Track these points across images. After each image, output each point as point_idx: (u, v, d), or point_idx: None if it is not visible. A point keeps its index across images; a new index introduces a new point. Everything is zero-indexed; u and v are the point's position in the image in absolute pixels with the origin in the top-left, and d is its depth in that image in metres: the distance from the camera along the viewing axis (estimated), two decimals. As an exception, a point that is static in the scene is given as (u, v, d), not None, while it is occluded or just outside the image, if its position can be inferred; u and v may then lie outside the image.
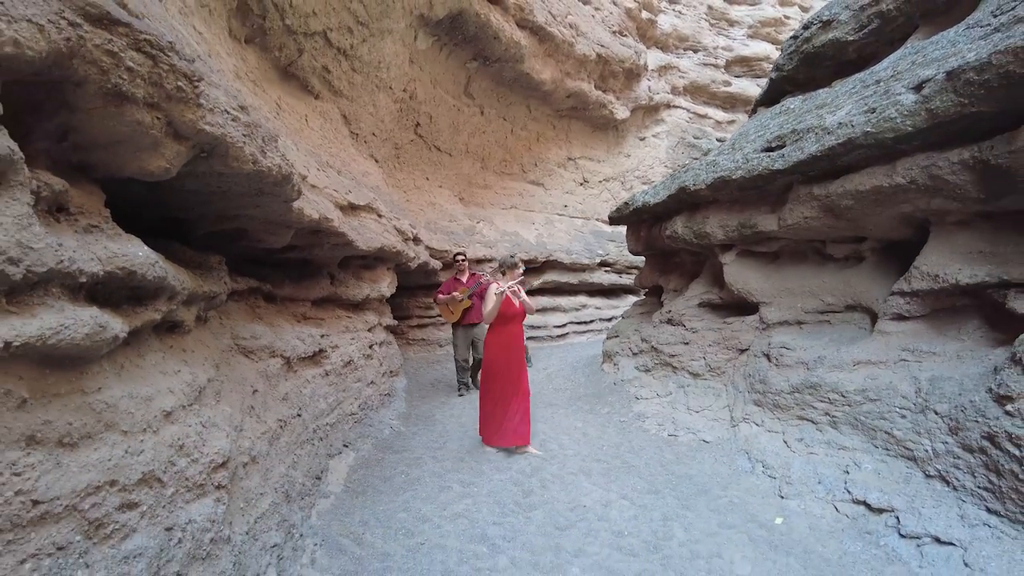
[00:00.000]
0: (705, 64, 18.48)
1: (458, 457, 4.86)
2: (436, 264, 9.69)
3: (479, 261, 11.53)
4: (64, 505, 1.60)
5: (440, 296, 7.28)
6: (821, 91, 6.02)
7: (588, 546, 3.28)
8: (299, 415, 4.01)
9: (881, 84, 4.60)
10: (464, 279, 7.48)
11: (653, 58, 17.23)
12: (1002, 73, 3.24)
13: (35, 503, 1.51)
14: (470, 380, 7.47)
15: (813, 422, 4.41)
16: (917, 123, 3.81)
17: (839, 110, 4.80)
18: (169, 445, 2.11)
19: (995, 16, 3.98)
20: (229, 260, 3.71)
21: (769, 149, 5.21)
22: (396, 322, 8.39)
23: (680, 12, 18.20)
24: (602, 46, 14.02)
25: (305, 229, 4.49)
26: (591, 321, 14.01)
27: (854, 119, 4.31)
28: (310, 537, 3.18)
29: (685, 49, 18.34)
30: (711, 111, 18.63)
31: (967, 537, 2.87)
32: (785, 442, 4.48)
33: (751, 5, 19.34)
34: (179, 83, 2.09)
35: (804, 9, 19.86)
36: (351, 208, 5.82)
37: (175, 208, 3.28)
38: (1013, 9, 3.77)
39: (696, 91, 18.42)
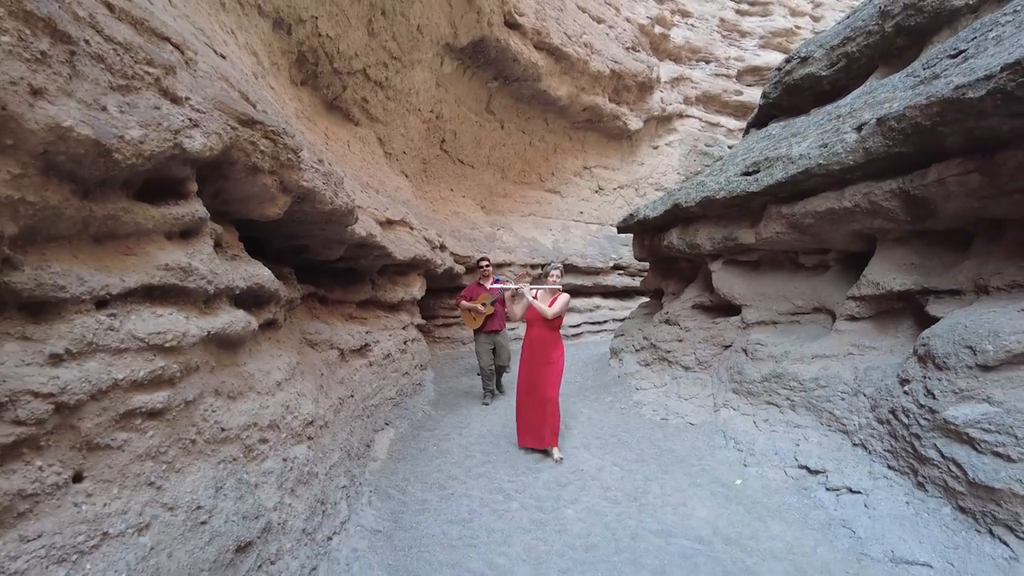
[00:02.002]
0: (717, 74, 19.19)
1: (480, 434, 5.79)
2: (460, 269, 10.63)
3: (499, 266, 12.44)
4: (234, 434, 2.56)
5: (463, 303, 7.29)
6: (798, 119, 6.85)
7: (581, 497, 4.18)
8: (352, 396, 4.98)
9: (837, 120, 5.43)
10: (488, 285, 7.48)
11: (666, 70, 18.00)
12: (913, 123, 4.07)
13: (222, 429, 2.48)
14: (495, 387, 7.52)
15: (777, 406, 5.26)
16: (857, 158, 4.65)
17: (804, 141, 5.65)
18: (281, 404, 3.07)
19: (924, 68, 4.80)
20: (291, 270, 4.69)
21: (747, 173, 6.05)
22: (424, 321, 9.34)
23: (692, 25, 18.92)
24: (616, 62, 14.87)
25: (353, 244, 5.46)
26: (605, 321, 14.87)
27: (811, 152, 5.16)
28: (366, 486, 4.13)
29: (697, 60, 19.07)
30: (723, 119, 19.32)
31: (870, 487, 3.72)
32: (754, 423, 5.33)
33: (762, 16, 19.97)
34: (288, 155, 3.05)
35: (815, 19, 20.44)
36: (388, 223, 6.79)
37: (258, 230, 4.27)
38: (934, 66, 4.59)
39: (708, 101, 19.14)
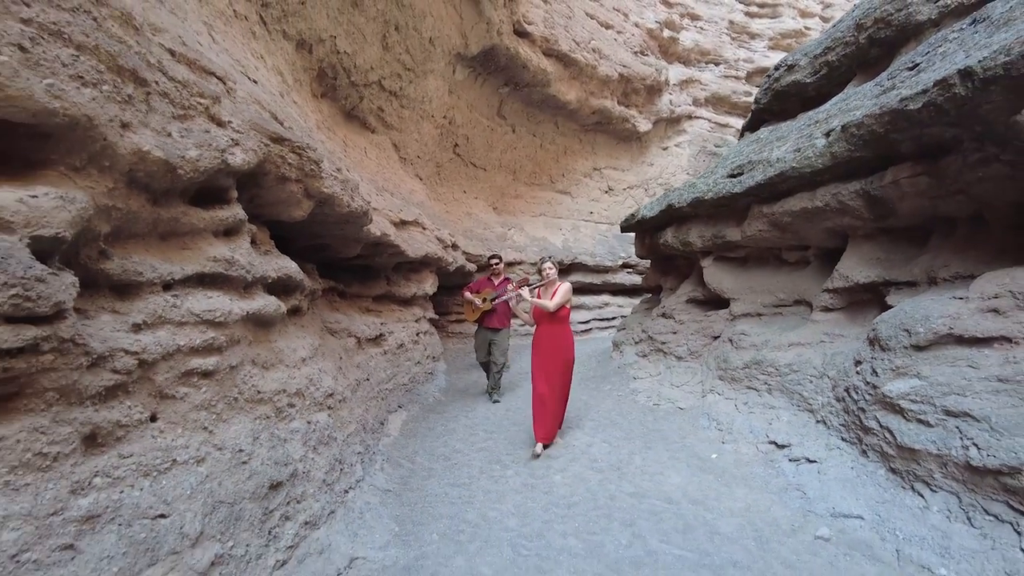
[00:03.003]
0: (726, 76, 19.52)
1: (484, 417, 6.32)
2: (471, 267, 11.18)
3: (509, 264, 12.97)
4: (267, 397, 3.12)
5: (466, 293, 7.30)
6: (784, 124, 7.29)
7: (570, 467, 4.69)
8: (368, 379, 5.54)
9: (814, 126, 5.87)
10: (496, 283, 7.49)
11: (675, 72, 18.39)
12: (870, 131, 4.51)
13: (258, 392, 3.03)
14: (493, 384, 7.44)
15: (756, 390, 5.70)
16: (824, 162, 5.09)
17: (784, 145, 6.10)
18: (305, 377, 3.63)
19: (888, 79, 5.24)
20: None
21: (733, 175, 6.51)
22: (438, 316, 9.90)
23: (702, 28, 19.29)
24: (624, 66, 15.32)
25: (369, 243, 6.03)
26: (613, 318, 15.31)
27: (787, 156, 5.61)
28: (379, 455, 4.68)
29: (707, 63, 19.43)
30: (732, 120, 19.64)
31: (825, 456, 4.18)
32: (735, 406, 5.78)
33: (772, 18, 20.25)
34: (311, 166, 3.61)
35: (825, 20, 20.65)
36: (402, 224, 7.36)
37: (285, 230, 4.84)
38: (895, 77, 5.03)
39: (717, 102, 19.48)
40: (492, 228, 13.71)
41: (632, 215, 9.29)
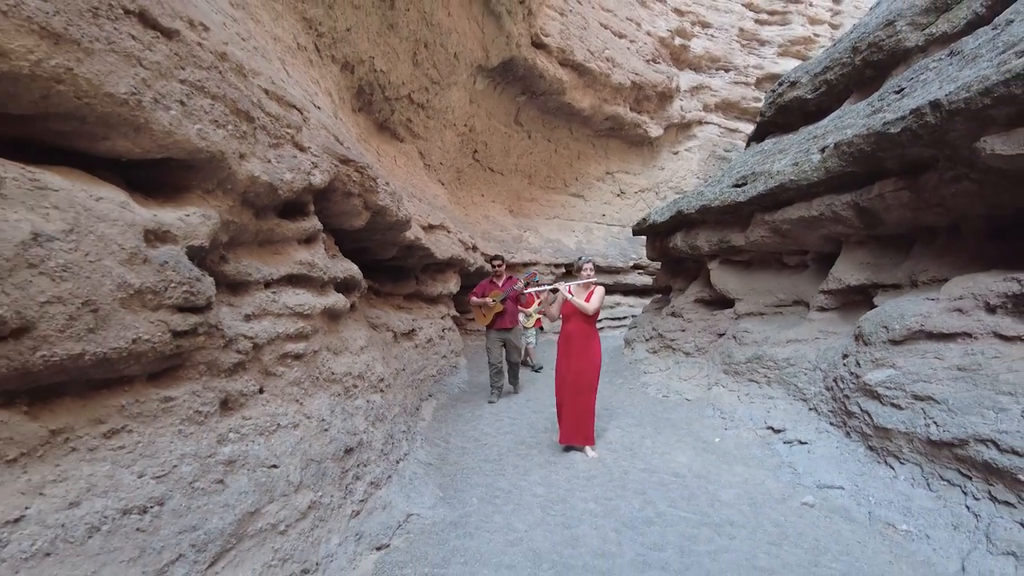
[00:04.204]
0: (736, 82, 19.99)
1: (507, 406, 6.90)
2: (490, 268, 11.75)
3: (526, 264, 13.55)
4: (338, 377, 3.71)
5: (473, 299, 7.29)
6: (787, 136, 7.82)
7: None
8: (404, 369, 6.14)
9: (812, 141, 6.41)
10: (500, 283, 7.47)
11: (686, 79, 18.90)
12: (859, 149, 5.05)
13: (332, 373, 3.63)
14: (504, 383, 7.47)
15: (757, 382, 6.25)
16: (819, 176, 5.63)
17: (785, 158, 6.63)
18: (363, 363, 4.22)
19: (880, 100, 5.77)
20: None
21: (737, 185, 7.05)
22: (458, 314, 10.50)
23: (712, 35, 19.76)
24: (636, 74, 15.86)
25: (404, 245, 6.63)
26: (624, 317, 15.87)
27: (786, 168, 6.15)
28: (418, 435, 5.28)
29: (717, 69, 19.91)
30: (741, 125, 20.09)
31: (815, 438, 4.73)
32: (737, 397, 6.33)
33: (781, 25, 20.68)
34: (370, 183, 4.21)
35: (834, 27, 21.06)
36: (430, 228, 7.95)
37: (334, 235, 5.44)
38: (884, 99, 5.56)
39: (727, 108, 19.96)
40: (508, 230, 14.30)
41: (644, 219, 9.85)
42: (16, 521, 1.72)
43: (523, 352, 8.21)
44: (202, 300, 2.44)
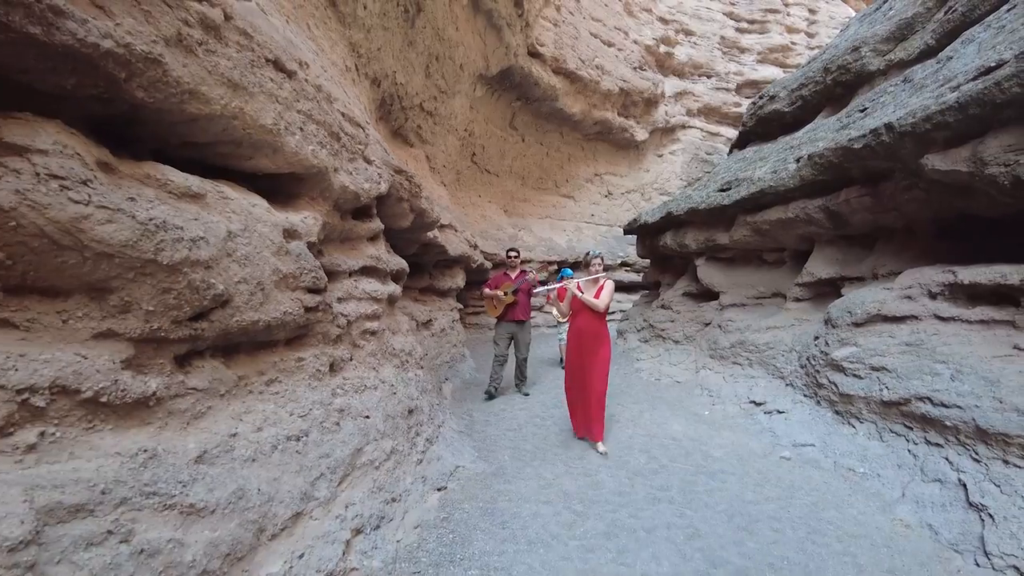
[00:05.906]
0: (718, 88, 20.95)
1: (516, 391, 7.65)
2: (488, 264, 12.50)
3: (521, 262, 14.26)
4: (396, 352, 4.43)
5: (486, 290, 7.31)
6: (767, 145, 8.67)
7: (595, 419, 6.03)
8: (426, 354, 6.85)
9: (788, 151, 7.24)
10: (513, 276, 7.44)
11: (670, 85, 19.80)
12: (828, 160, 5.87)
13: (394, 348, 4.34)
14: (502, 379, 7.32)
15: (740, 365, 7.07)
16: (795, 183, 6.44)
17: (765, 165, 7.46)
18: (409, 343, 4.94)
19: (847, 116, 6.61)
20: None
21: (722, 189, 7.87)
22: (461, 306, 11.21)
23: (695, 43, 20.69)
24: (624, 81, 16.69)
25: (423, 243, 7.33)
26: (613, 312, 16.67)
27: (766, 176, 6.97)
28: (447, 410, 6.00)
29: (699, 75, 20.85)
30: (723, 129, 21.08)
31: (791, 408, 5.55)
32: (723, 378, 7.15)
33: (760, 33, 21.69)
34: (416, 189, 4.93)
35: (810, 35, 22.13)
36: (442, 227, 8.66)
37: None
38: (850, 116, 6.40)
39: (709, 112, 20.92)
40: (504, 229, 15.04)
41: (635, 220, 10.66)
42: (233, 435, 2.43)
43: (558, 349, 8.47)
44: (322, 283, 3.16)
